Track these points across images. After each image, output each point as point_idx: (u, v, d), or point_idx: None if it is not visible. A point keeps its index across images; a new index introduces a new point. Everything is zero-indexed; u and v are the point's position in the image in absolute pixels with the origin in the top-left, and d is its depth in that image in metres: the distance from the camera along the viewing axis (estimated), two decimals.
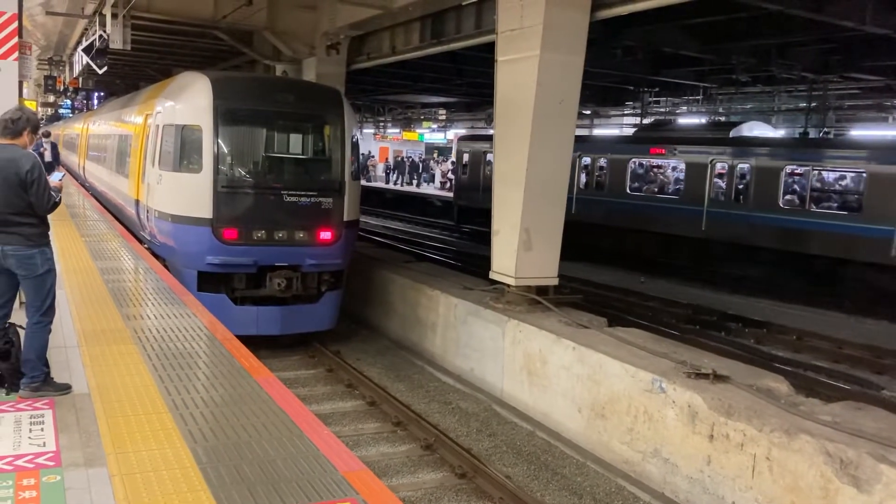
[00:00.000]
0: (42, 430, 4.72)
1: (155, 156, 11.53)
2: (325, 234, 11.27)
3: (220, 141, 10.85)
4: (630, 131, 26.47)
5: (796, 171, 17.92)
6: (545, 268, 10.63)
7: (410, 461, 8.08)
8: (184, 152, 10.91)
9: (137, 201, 12.80)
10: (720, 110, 25.22)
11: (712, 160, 19.09)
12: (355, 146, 12.04)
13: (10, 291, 5.44)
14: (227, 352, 6.59)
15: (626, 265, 19.91)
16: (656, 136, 21.86)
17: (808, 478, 6.12)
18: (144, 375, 5.82)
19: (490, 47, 10.98)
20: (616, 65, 17.81)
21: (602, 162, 22.52)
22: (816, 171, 17.72)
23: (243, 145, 11.51)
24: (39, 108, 39.35)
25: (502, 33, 10.49)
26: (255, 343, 10.02)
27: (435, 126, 40.48)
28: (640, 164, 21.91)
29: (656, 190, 21.49)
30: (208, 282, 10.85)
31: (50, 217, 5.57)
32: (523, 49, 10.06)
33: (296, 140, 12.02)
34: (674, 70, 19.64)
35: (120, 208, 15.61)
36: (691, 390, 7.29)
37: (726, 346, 12.12)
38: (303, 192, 11.18)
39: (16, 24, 6.92)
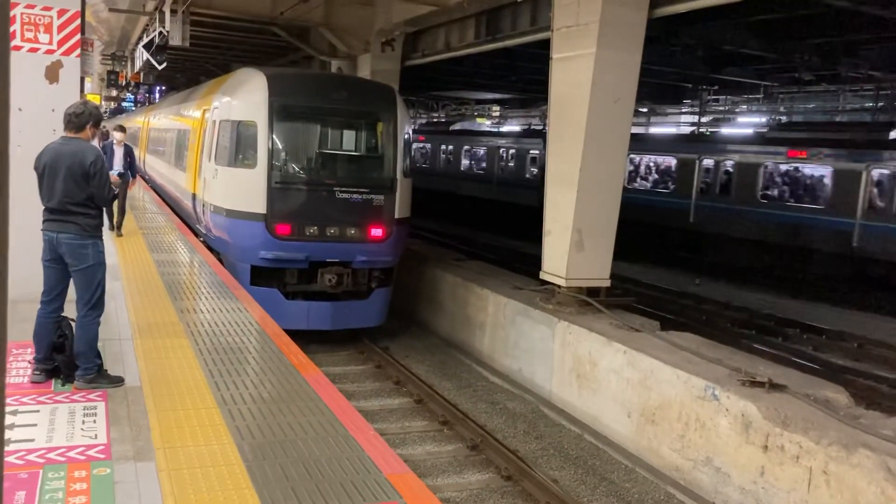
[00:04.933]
0: (94, 421, 4.81)
1: (211, 151, 11.71)
2: (377, 231, 11.30)
3: (274, 137, 10.96)
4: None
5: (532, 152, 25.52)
6: (597, 269, 10.47)
7: (456, 461, 8.05)
8: (239, 148, 11.06)
9: (194, 195, 13.02)
10: (781, 109, 24.56)
11: (465, 146, 29.71)
12: (408, 144, 12.04)
13: (61, 283, 5.53)
14: (277, 348, 6.64)
15: (681, 266, 19.63)
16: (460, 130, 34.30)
17: (868, 494, 5.90)
18: (195, 370, 5.90)
19: (545, 44, 10.84)
20: (674, 62, 17.47)
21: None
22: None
23: (297, 142, 11.63)
24: (103, 102, 40.34)
25: (558, 30, 10.35)
26: (306, 338, 10.15)
27: (489, 122, 40.30)
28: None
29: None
30: (261, 276, 10.98)
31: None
32: (579, 46, 9.91)
33: (349, 137, 12.06)
34: (734, 68, 19.16)
35: (177, 201, 15.91)
36: (746, 399, 7.10)
37: (782, 353, 11.80)
38: (355, 189, 11.23)
39: (78, 22, 7.08)
